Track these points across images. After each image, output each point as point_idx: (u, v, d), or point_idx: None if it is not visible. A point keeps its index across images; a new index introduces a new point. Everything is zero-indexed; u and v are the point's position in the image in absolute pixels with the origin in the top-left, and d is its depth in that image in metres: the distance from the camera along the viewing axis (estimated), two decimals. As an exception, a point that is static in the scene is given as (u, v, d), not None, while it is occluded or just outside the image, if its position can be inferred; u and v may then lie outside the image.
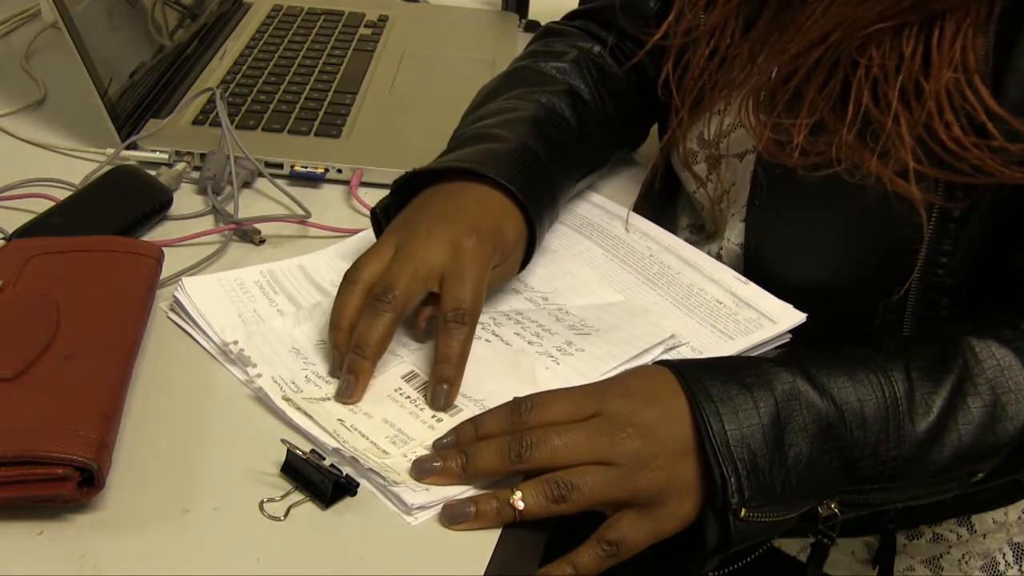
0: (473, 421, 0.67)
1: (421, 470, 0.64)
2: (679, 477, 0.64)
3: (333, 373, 0.71)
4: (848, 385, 0.67)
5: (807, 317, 0.78)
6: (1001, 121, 0.66)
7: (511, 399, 0.67)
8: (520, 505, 0.62)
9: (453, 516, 0.63)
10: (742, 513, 0.64)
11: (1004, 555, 0.89)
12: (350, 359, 0.69)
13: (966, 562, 0.89)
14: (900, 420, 0.67)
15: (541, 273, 0.83)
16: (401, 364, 0.73)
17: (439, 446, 0.66)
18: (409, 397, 0.70)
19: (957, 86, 0.67)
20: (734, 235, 0.84)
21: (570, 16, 1.01)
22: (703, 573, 0.70)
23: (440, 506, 0.64)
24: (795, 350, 0.70)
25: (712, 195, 0.86)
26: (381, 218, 0.80)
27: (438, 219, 0.73)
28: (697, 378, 0.66)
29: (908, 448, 0.67)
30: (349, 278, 0.72)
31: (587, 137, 0.89)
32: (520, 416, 0.65)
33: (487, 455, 0.64)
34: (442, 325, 0.70)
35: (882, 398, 0.67)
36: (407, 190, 0.78)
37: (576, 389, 0.68)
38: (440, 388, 0.69)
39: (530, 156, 0.79)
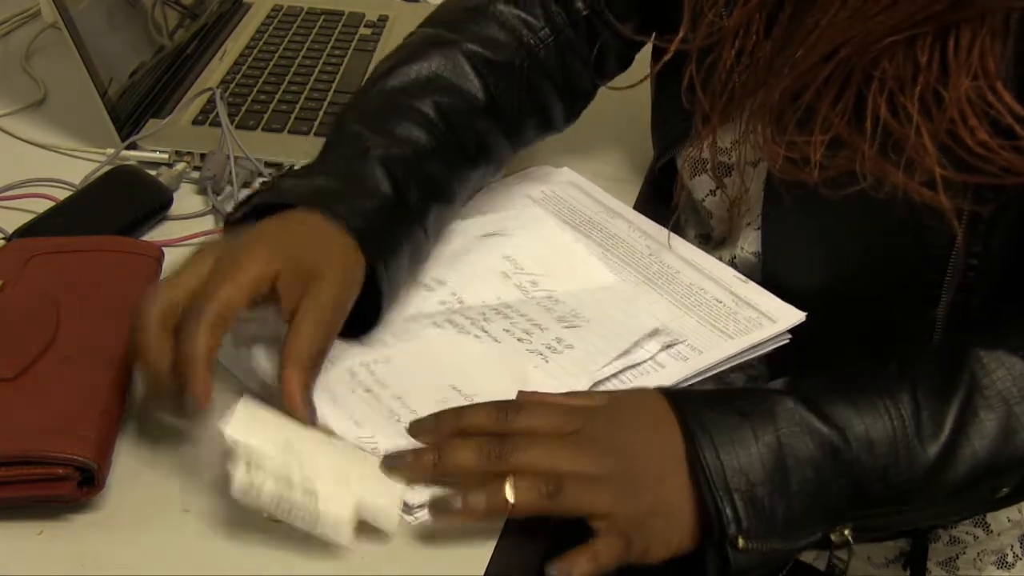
0: (456, 411, 0.65)
1: (392, 463, 0.63)
2: (662, 496, 0.63)
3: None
4: (851, 410, 0.66)
5: (823, 322, 0.77)
6: None
7: (498, 399, 0.67)
8: (511, 497, 0.61)
9: (440, 509, 0.61)
10: (740, 544, 0.62)
11: (1013, 548, 0.89)
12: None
13: (980, 560, 0.89)
14: (909, 442, 0.65)
15: (528, 248, 0.82)
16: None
17: (416, 426, 0.65)
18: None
19: (979, 92, 0.65)
20: (748, 244, 0.84)
21: None
22: None
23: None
24: (797, 377, 0.69)
25: (729, 201, 0.85)
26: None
27: (260, 236, 0.68)
28: (693, 409, 0.65)
29: (920, 469, 0.65)
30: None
31: (488, 155, 0.84)
32: (506, 417, 0.64)
33: (463, 454, 0.63)
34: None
35: (888, 422, 0.65)
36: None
37: (565, 404, 0.67)
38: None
39: (394, 205, 0.73)
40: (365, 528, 0.62)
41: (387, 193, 0.73)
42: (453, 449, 0.63)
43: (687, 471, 0.64)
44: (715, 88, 0.76)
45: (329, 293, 0.67)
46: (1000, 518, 0.87)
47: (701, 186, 0.88)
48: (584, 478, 0.62)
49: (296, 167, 0.81)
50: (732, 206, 0.85)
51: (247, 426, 0.61)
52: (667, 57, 0.77)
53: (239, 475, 0.59)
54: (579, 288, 0.80)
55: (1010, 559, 0.89)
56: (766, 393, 0.67)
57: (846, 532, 0.66)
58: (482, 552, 0.62)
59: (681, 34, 0.76)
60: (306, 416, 0.63)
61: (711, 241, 0.92)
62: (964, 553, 0.88)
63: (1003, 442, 0.66)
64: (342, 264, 0.68)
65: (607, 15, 0.88)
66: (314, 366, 0.65)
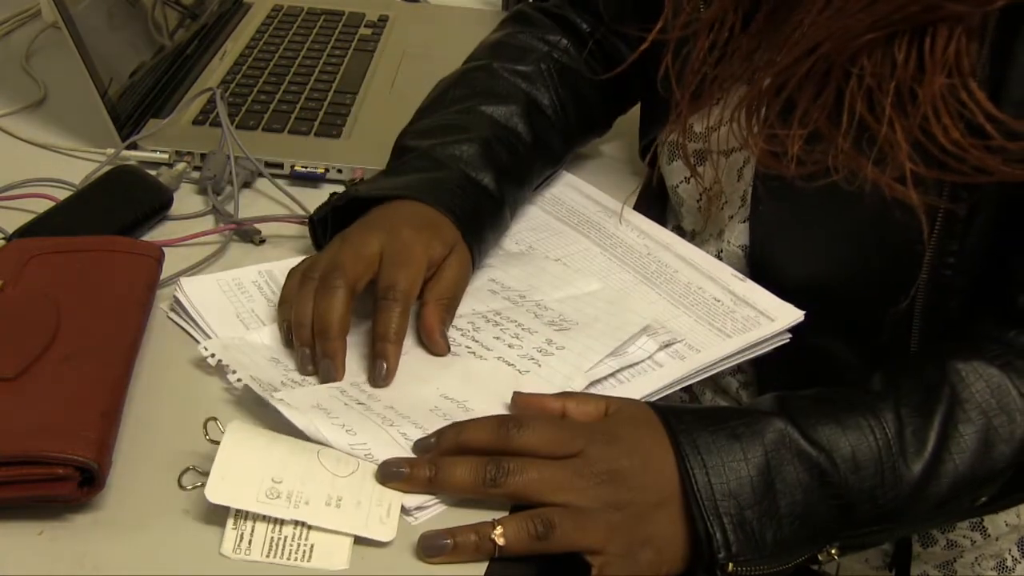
0: (457, 427, 0.66)
1: (387, 473, 0.63)
2: (654, 527, 0.63)
3: (303, 371, 0.72)
4: (838, 431, 0.66)
5: (808, 318, 0.77)
6: (1000, 122, 0.66)
7: (500, 414, 0.67)
8: (501, 541, 0.60)
9: (430, 548, 0.61)
10: (730, 568, 0.62)
11: (1011, 552, 0.89)
12: (320, 345, 0.71)
13: (979, 564, 0.89)
14: (894, 462, 0.66)
15: (516, 273, 0.82)
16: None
17: (419, 444, 0.66)
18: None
19: (952, 91, 0.66)
20: (734, 237, 0.84)
21: None
22: None
23: (439, 507, 0.64)
24: (785, 396, 0.69)
25: (701, 189, 0.86)
26: (319, 228, 0.82)
27: (377, 220, 0.77)
28: (686, 429, 0.65)
29: (906, 488, 0.66)
30: (298, 271, 0.76)
31: (544, 146, 0.90)
32: (508, 433, 0.64)
33: (460, 472, 0.63)
34: (377, 303, 0.72)
35: (874, 441, 0.66)
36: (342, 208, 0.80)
37: (566, 422, 0.67)
38: (378, 363, 0.71)
39: (473, 187, 0.81)
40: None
41: (473, 191, 0.81)
42: (449, 466, 0.63)
43: (680, 498, 0.64)
44: (687, 79, 0.78)
45: (464, 257, 0.78)
46: (998, 522, 0.87)
47: (676, 172, 0.89)
48: (577, 512, 0.62)
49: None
50: (704, 194, 0.86)
51: (227, 479, 0.61)
52: (644, 46, 0.80)
53: (227, 526, 0.61)
54: (566, 296, 0.80)
55: (1009, 563, 0.89)
56: (755, 414, 0.67)
57: (832, 551, 0.66)
58: (482, 552, 0.62)
59: (660, 24, 0.79)
60: (443, 349, 0.73)
61: (685, 235, 0.92)
62: (962, 556, 0.88)
63: (982, 455, 0.67)
64: (465, 246, 0.78)
65: (607, 22, 0.93)
66: (451, 308, 0.75)
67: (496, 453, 0.64)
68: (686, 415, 0.66)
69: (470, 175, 0.81)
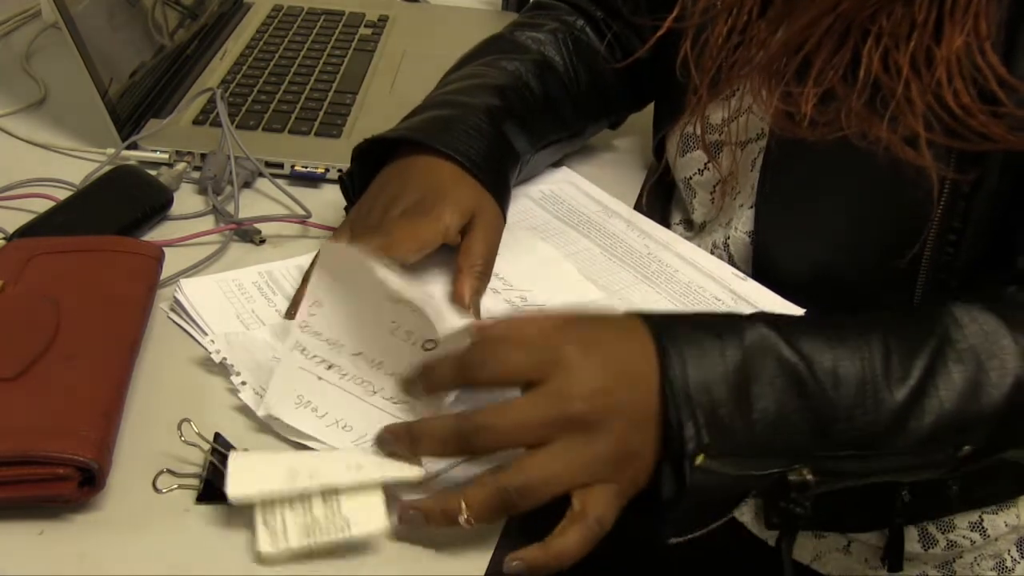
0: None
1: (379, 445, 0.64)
2: (634, 442, 0.61)
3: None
4: (823, 345, 0.64)
5: (812, 302, 0.77)
6: (1011, 89, 0.66)
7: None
8: (467, 525, 0.60)
9: (403, 518, 0.61)
10: (698, 460, 0.60)
11: (1010, 552, 0.89)
12: None
13: (978, 564, 0.89)
14: (876, 384, 0.64)
15: (520, 268, 0.82)
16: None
17: (403, 383, 0.66)
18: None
19: (968, 53, 0.66)
20: (741, 224, 0.84)
21: None
22: (665, 533, 0.66)
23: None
24: (775, 313, 0.68)
25: (711, 181, 0.86)
26: (348, 184, 0.85)
27: (393, 204, 0.78)
28: (668, 324, 0.63)
29: (886, 414, 0.64)
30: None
31: (553, 106, 0.91)
32: (471, 374, 0.62)
33: (429, 445, 0.62)
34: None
35: (858, 360, 0.64)
36: (369, 156, 0.83)
37: (532, 337, 0.63)
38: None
39: (484, 123, 0.83)
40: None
41: (484, 128, 0.83)
42: (421, 437, 0.62)
43: (658, 402, 0.61)
44: (705, 65, 0.78)
45: (489, 214, 0.79)
46: (997, 523, 0.87)
47: (690, 164, 0.89)
48: (547, 458, 0.60)
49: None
50: (720, 185, 0.86)
51: (244, 478, 0.61)
52: (662, 31, 0.80)
53: (258, 526, 0.60)
54: (567, 302, 0.80)
55: (1008, 564, 0.89)
56: (740, 317, 0.65)
57: (804, 472, 0.64)
58: (483, 552, 0.62)
59: (676, 12, 0.80)
60: (473, 316, 0.74)
61: (693, 227, 0.92)
62: (961, 557, 0.88)
63: (970, 396, 0.65)
64: (490, 201, 0.80)
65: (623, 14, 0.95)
66: (484, 274, 0.77)
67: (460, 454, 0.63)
68: (670, 316, 0.65)
69: (489, 111, 0.83)
